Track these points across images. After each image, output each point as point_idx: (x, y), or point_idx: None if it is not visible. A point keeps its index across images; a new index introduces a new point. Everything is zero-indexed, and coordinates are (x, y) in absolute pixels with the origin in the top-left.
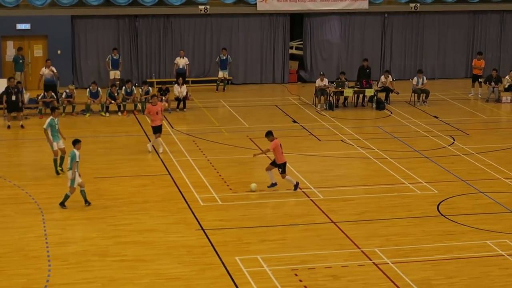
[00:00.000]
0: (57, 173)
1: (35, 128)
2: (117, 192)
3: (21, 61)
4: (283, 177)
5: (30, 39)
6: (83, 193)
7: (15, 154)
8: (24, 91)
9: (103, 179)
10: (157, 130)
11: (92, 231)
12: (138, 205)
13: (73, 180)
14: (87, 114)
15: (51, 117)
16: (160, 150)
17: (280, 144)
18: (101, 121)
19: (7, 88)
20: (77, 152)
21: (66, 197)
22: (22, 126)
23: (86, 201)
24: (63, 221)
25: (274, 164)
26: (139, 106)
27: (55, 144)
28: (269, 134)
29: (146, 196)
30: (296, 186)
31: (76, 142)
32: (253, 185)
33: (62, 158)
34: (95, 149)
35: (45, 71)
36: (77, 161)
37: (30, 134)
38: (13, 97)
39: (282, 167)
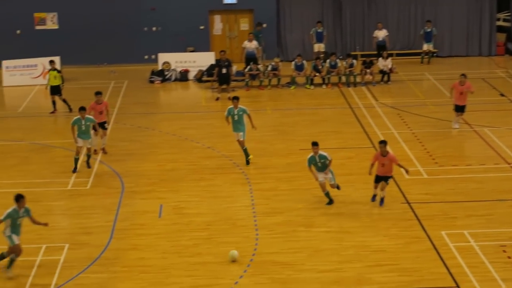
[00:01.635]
0: (248, 162)
1: (241, 100)
2: None
3: (260, 35)
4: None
5: (236, 13)
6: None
7: (223, 125)
8: (232, 64)
9: (309, 151)
10: (460, 109)
11: (298, 202)
12: (343, 177)
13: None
14: (292, 87)
15: (231, 106)
16: (456, 126)
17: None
18: (305, 94)
19: (218, 61)
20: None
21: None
22: (229, 98)
23: (330, 200)
24: (270, 192)
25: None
26: (343, 78)
27: (240, 134)
28: (385, 143)
29: (350, 168)
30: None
31: (314, 144)
32: (232, 254)
33: (245, 150)
34: (300, 121)
35: (247, 44)
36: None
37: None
38: (224, 70)
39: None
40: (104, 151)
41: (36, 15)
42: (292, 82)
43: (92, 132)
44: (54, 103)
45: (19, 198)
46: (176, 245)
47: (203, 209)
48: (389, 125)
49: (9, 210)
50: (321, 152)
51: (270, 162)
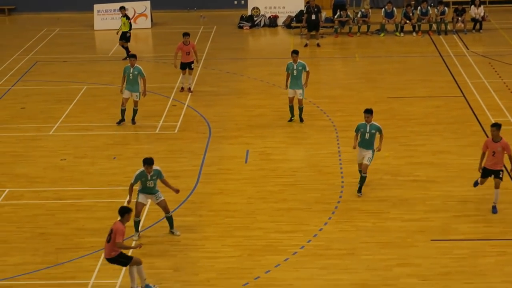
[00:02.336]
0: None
1: (330, 47)
2: (410, 112)
3: None
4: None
5: None
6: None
7: (311, 71)
8: (321, 11)
9: (397, 99)
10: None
11: (385, 150)
12: (430, 126)
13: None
14: (382, 34)
15: (291, 60)
16: None
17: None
18: (395, 41)
19: (307, 7)
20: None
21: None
22: (318, 45)
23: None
24: None
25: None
26: (434, 26)
27: (299, 91)
28: (498, 127)
29: (439, 117)
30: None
31: (366, 112)
32: None
33: (300, 109)
34: (389, 69)
35: None
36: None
37: (325, 53)
38: (313, 16)
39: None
40: (190, 90)
41: None
42: (382, 29)
43: (140, 82)
44: (123, 46)
45: (145, 162)
46: (262, 191)
47: (289, 156)
48: (479, 74)
49: (138, 172)
50: (374, 122)
51: (357, 109)
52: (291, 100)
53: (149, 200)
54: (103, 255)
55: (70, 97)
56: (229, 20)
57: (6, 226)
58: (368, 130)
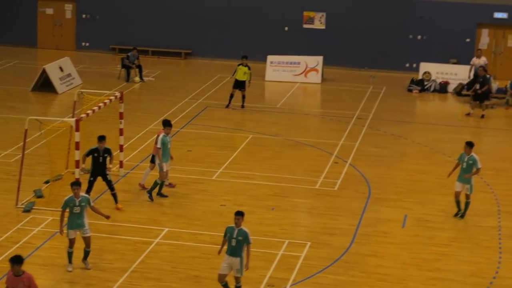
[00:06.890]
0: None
1: (498, 118)
2: None
3: None
4: None
5: (505, 29)
6: None
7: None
8: (492, 80)
9: None
10: None
11: None
12: None
13: None
14: None
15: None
16: None
17: None
18: None
19: (476, 77)
20: None
21: None
22: (482, 116)
23: None
24: None
25: None
26: None
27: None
28: None
29: None
30: None
31: (237, 214)
32: None
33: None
34: None
35: (475, 61)
36: None
37: (492, 124)
38: (477, 86)
39: None
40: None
41: (306, 13)
42: None
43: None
44: (231, 96)
45: (73, 185)
46: (416, 258)
47: (447, 225)
48: None
49: (66, 198)
50: (243, 227)
51: None
52: (457, 194)
53: None
54: None
55: (235, 144)
56: (399, 82)
57: (162, 265)
58: (235, 235)
